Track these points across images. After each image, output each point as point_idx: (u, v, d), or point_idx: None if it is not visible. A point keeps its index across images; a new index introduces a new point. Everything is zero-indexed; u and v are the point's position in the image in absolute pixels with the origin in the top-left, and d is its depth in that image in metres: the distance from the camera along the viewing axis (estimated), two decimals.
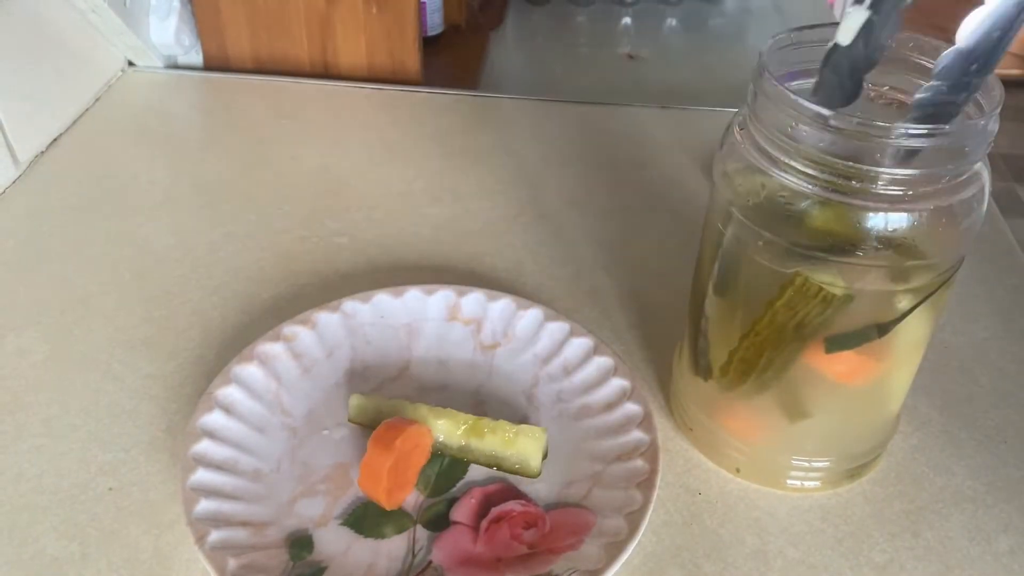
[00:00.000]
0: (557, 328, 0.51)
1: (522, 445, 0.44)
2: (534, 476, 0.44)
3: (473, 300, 0.53)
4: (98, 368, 0.51)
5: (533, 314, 0.52)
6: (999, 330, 0.56)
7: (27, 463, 0.46)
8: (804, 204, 0.37)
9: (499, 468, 0.45)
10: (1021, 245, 0.63)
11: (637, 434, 0.45)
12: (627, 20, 1.05)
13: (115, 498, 0.44)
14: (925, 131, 0.34)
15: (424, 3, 0.87)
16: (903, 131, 0.34)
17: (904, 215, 0.36)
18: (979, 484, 0.46)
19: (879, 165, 0.35)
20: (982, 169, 0.37)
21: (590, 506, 0.43)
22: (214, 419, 0.45)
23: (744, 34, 1.05)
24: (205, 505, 0.41)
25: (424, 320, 0.53)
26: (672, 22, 1.05)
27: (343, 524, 0.42)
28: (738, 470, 0.46)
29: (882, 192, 0.35)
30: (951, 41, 0.35)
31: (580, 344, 0.50)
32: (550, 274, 0.59)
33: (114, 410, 0.49)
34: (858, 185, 0.35)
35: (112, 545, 0.42)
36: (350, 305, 0.52)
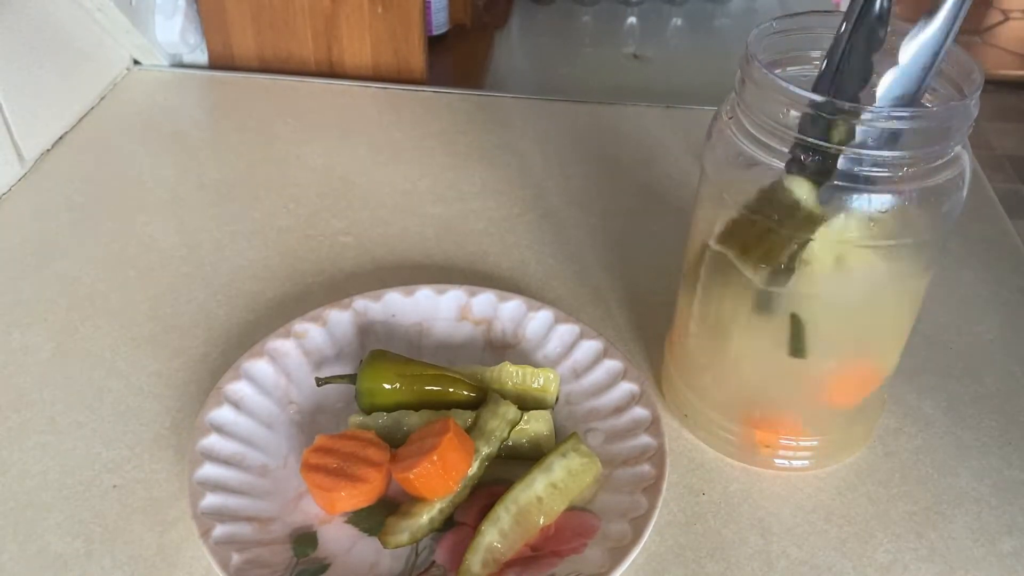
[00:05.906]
0: (567, 330, 0.51)
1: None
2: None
3: (484, 300, 0.53)
4: (103, 365, 0.51)
5: (543, 316, 0.52)
6: (1004, 332, 0.56)
7: (32, 460, 0.46)
8: (792, 187, 0.38)
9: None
10: None
11: (645, 439, 0.45)
12: (632, 19, 1.05)
13: (119, 495, 0.44)
14: (909, 113, 0.35)
15: (429, 2, 0.87)
16: (888, 113, 0.35)
17: (888, 196, 0.37)
18: (983, 486, 0.46)
19: (865, 147, 0.36)
20: (962, 152, 0.38)
21: (595, 510, 0.43)
22: (223, 414, 0.45)
23: (749, 34, 1.05)
24: (211, 499, 0.41)
25: (435, 319, 0.53)
26: (677, 22, 1.05)
27: (347, 522, 0.43)
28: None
29: (868, 174, 0.36)
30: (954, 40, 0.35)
31: (589, 347, 0.50)
32: (554, 273, 0.59)
33: (119, 407, 0.49)
34: (845, 168, 0.36)
35: (116, 542, 0.42)
36: (361, 303, 0.52)
